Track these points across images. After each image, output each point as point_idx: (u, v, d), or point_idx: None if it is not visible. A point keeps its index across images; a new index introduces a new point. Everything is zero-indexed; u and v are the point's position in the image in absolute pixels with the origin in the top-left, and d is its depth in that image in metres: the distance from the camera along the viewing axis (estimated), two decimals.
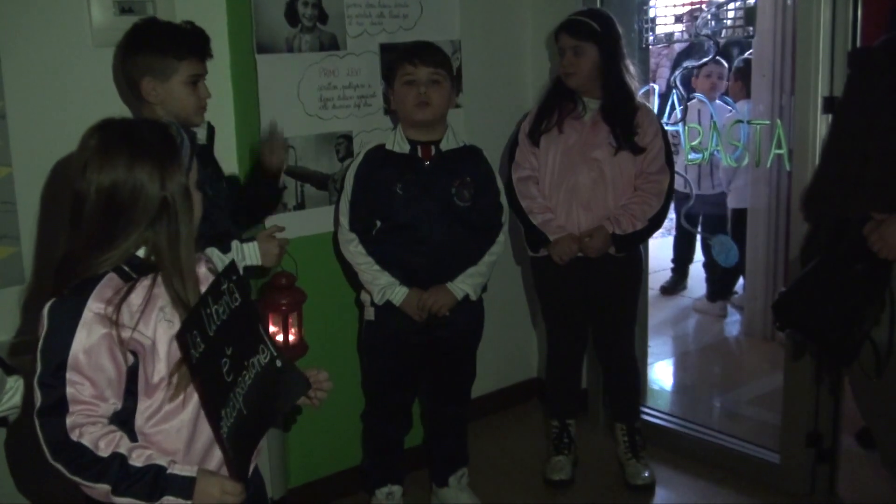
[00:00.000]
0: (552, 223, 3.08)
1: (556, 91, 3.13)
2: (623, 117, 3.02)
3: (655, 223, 3.10)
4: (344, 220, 2.85)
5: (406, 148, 2.81)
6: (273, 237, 2.50)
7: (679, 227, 5.32)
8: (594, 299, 3.20)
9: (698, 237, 5.29)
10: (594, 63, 3.01)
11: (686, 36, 3.71)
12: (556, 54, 3.61)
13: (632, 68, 3.09)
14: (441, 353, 2.93)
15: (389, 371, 2.95)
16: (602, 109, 3.05)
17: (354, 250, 2.83)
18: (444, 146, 2.83)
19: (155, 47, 2.32)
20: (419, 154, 2.82)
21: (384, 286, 2.80)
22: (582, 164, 3.06)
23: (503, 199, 2.95)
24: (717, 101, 4.74)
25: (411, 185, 2.79)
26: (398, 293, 2.79)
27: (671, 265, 5.55)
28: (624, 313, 3.24)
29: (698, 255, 5.44)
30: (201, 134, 2.46)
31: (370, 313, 2.90)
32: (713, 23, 3.55)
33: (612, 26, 3.05)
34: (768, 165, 4.07)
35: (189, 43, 2.35)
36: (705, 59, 4.48)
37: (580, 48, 3.00)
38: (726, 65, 4.82)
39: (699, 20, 3.59)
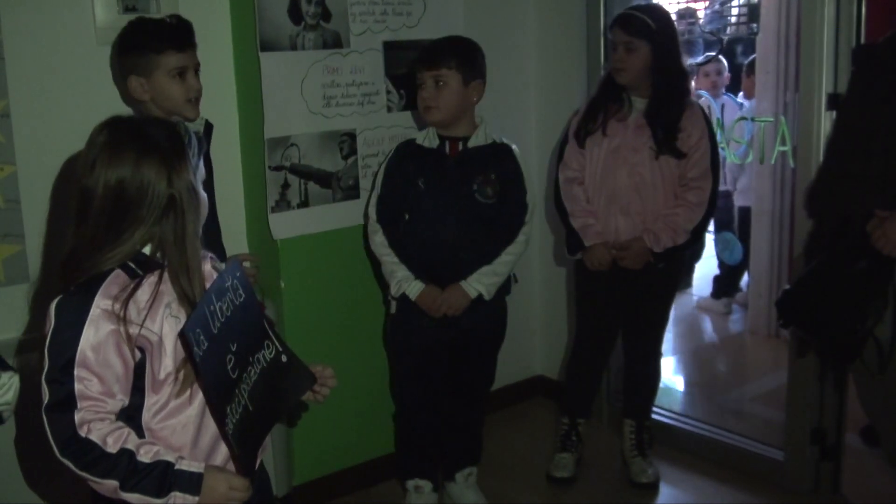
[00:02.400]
0: (591, 229, 3.05)
1: (604, 89, 3.06)
2: (666, 119, 2.95)
3: (698, 234, 3.03)
4: (372, 212, 2.90)
5: (435, 143, 2.84)
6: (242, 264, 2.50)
7: None
8: (631, 302, 3.17)
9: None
10: (646, 61, 2.92)
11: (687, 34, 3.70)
12: (563, 52, 3.63)
13: (687, 68, 3.01)
14: (464, 350, 2.93)
15: (412, 365, 2.96)
16: (646, 111, 2.98)
17: (378, 241, 2.87)
18: (471, 143, 2.83)
19: (134, 46, 2.34)
20: (447, 150, 2.83)
21: (401, 279, 2.82)
22: (623, 167, 3.01)
23: (530, 199, 2.89)
24: (725, 98, 4.73)
25: (433, 179, 2.81)
26: (413, 287, 2.80)
27: None
28: (657, 315, 3.23)
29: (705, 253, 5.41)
30: (198, 127, 2.46)
31: (393, 307, 2.92)
32: (708, 22, 3.54)
33: (668, 24, 2.98)
34: (772, 162, 4.07)
35: (167, 36, 2.34)
36: (708, 56, 4.47)
37: (632, 45, 2.92)
38: (725, 62, 4.80)
39: (703, 17, 3.58)
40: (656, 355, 3.30)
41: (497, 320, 2.99)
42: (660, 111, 2.96)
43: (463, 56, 2.79)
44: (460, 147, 2.83)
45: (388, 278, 2.87)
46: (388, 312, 3.01)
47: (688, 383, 4.34)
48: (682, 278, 3.30)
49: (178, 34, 2.36)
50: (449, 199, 2.80)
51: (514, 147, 2.90)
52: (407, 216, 2.85)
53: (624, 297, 3.15)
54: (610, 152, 3.03)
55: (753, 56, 4.76)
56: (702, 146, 2.98)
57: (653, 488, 3.21)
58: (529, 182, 2.90)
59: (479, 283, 2.82)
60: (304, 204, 3.01)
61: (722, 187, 4.86)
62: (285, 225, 2.98)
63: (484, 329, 2.93)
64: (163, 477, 1.55)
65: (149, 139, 1.62)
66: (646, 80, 2.97)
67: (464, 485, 3.07)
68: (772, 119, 4.05)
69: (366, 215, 2.96)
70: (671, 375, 4.39)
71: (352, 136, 3.09)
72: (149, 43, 2.32)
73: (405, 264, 2.83)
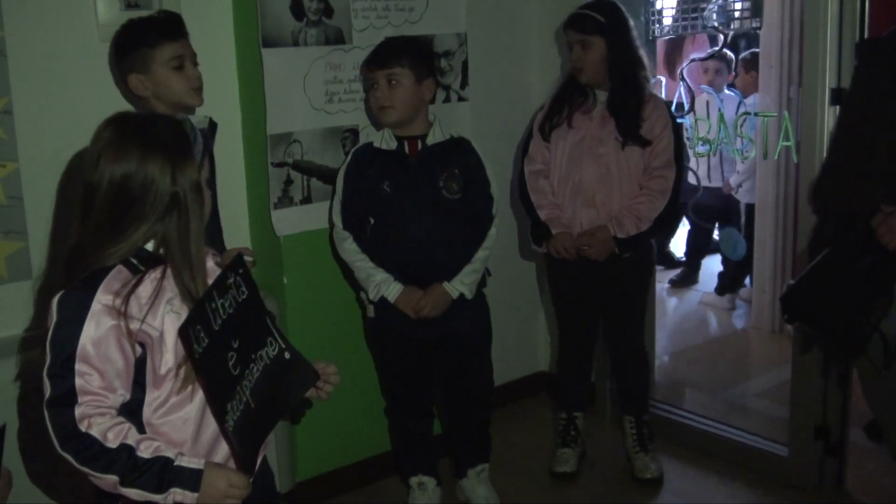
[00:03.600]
0: (559, 220, 3.08)
1: (568, 84, 3.10)
2: (627, 109, 2.99)
3: (661, 223, 3.05)
4: (337, 220, 2.86)
5: (393, 145, 2.81)
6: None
7: (693, 220, 5.27)
8: (604, 294, 3.18)
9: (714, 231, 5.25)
10: (602, 56, 2.98)
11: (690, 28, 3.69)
12: (563, 47, 3.62)
13: (645, 59, 3.05)
14: (449, 352, 2.92)
15: (396, 366, 2.97)
16: (608, 101, 3.02)
17: (349, 248, 2.84)
18: (429, 140, 2.82)
19: (129, 45, 2.36)
20: (406, 150, 2.81)
21: (379, 283, 2.80)
22: (588, 159, 3.04)
23: (494, 190, 2.90)
24: (726, 92, 4.71)
25: (398, 181, 2.79)
26: (392, 290, 2.79)
27: (682, 258, 5.52)
28: (634, 306, 3.24)
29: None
30: (202, 125, 2.46)
31: (370, 310, 2.90)
32: (714, 14, 3.53)
33: (619, 16, 3.01)
34: (776, 158, 4.06)
35: (158, 29, 2.36)
36: (711, 53, 4.45)
37: (586, 42, 2.98)
38: (732, 55, 4.78)
39: (706, 12, 3.57)
40: (640, 349, 3.31)
41: (480, 316, 2.97)
42: (620, 100, 3.00)
43: (414, 54, 2.79)
44: (419, 146, 2.82)
45: (363, 283, 2.84)
46: (364, 315, 3.00)
47: (692, 379, 4.34)
48: (653, 270, 3.35)
49: (169, 25, 2.38)
50: (417, 199, 2.78)
51: (471, 140, 2.90)
52: (372, 220, 2.83)
53: (596, 290, 3.17)
54: (575, 144, 3.06)
55: (750, 51, 4.74)
56: (665, 136, 3.02)
57: (656, 484, 3.20)
58: (491, 173, 2.90)
59: (461, 284, 2.82)
60: (307, 200, 3.01)
61: (717, 184, 4.88)
62: (288, 221, 2.98)
63: (469, 326, 2.92)
64: (162, 473, 1.55)
65: (154, 136, 1.62)
66: (605, 76, 3.01)
67: (475, 480, 3.07)
68: (775, 114, 4.04)
69: (330, 223, 2.93)
70: (675, 371, 4.39)
71: (354, 132, 3.09)
72: (142, 39, 2.34)
73: (380, 267, 2.82)
